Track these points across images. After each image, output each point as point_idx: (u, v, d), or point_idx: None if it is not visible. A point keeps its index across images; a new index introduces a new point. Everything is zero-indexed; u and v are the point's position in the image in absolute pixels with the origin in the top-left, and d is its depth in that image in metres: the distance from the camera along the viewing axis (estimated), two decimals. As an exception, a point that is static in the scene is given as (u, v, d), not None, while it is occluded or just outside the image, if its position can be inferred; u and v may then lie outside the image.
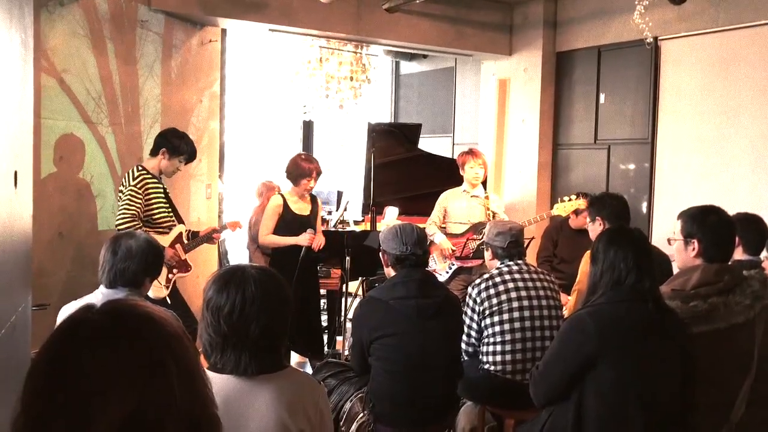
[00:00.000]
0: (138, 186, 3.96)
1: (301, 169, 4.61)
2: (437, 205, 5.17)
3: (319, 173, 4.66)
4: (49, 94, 4.42)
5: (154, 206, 4.05)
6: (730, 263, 2.61)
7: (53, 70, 4.45)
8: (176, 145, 4.12)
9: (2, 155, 1.91)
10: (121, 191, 4.04)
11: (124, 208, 3.91)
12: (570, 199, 4.80)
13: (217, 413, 1.02)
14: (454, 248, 4.97)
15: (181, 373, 0.94)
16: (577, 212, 4.99)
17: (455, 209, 5.08)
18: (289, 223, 4.62)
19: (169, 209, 4.17)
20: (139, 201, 3.95)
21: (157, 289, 3.93)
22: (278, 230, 4.63)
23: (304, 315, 4.62)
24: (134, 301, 1.01)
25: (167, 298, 3.98)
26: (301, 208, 4.70)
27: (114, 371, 0.90)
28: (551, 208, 6.34)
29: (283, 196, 4.71)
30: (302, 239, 4.52)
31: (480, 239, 4.74)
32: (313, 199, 4.81)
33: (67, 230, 4.56)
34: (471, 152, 5.06)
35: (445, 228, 5.10)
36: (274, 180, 6.05)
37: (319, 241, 4.58)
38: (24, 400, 0.90)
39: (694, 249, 2.51)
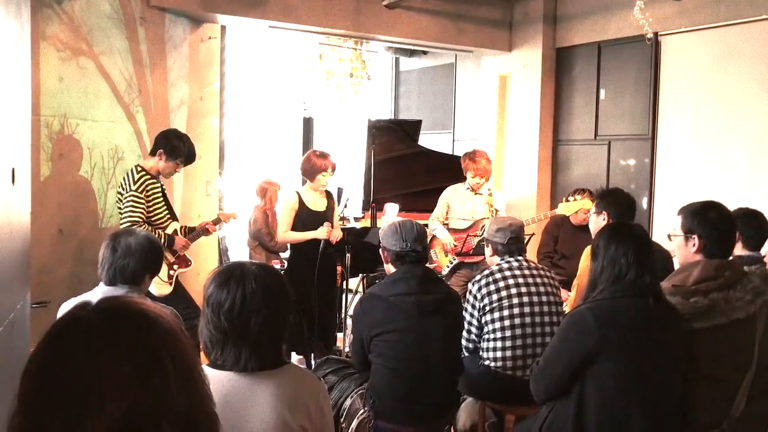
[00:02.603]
0: (139, 190, 3.94)
1: (316, 166, 4.63)
2: (440, 201, 5.17)
3: (333, 168, 4.67)
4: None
5: (153, 206, 4.04)
6: (730, 259, 2.60)
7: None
8: (175, 146, 4.09)
9: None
10: (120, 193, 4.03)
11: (128, 215, 3.90)
12: (575, 199, 4.77)
13: (215, 410, 1.02)
14: (455, 243, 4.97)
15: (177, 370, 0.93)
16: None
17: (458, 206, 5.08)
18: (305, 219, 4.64)
19: (166, 208, 4.17)
20: (142, 205, 3.95)
21: (160, 286, 3.93)
22: (295, 227, 4.66)
23: (321, 312, 4.62)
24: (130, 298, 1.00)
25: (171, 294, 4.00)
26: (317, 204, 4.71)
27: (109, 369, 0.89)
28: (552, 206, 6.35)
29: (298, 193, 4.72)
30: (320, 232, 4.54)
31: (481, 235, 4.73)
32: (329, 195, 4.83)
33: (68, 227, 4.56)
34: (473, 159, 4.99)
35: (447, 224, 5.10)
36: (274, 178, 6.04)
37: (337, 234, 4.59)
38: (20, 398, 0.90)
39: (694, 245, 2.51)
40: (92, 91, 4.64)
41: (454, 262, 4.99)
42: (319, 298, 4.57)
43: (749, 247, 3.07)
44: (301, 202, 4.66)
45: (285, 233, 4.69)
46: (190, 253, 4.28)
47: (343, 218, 5.85)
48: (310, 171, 4.66)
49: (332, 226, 4.62)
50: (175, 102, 5.14)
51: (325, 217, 4.66)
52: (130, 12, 4.79)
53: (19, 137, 2.25)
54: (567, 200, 4.79)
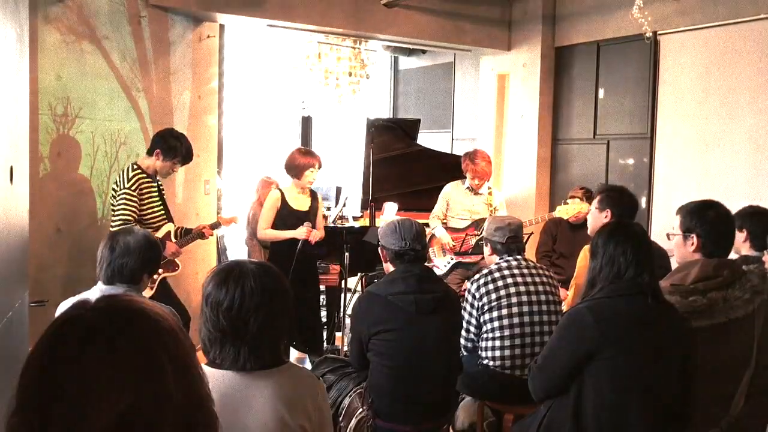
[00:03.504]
0: (132, 188, 3.92)
1: (300, 163, 4.61)
2: (440, 198, 5.18)
3: (319, 166, 4.64)
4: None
5: (147, 206, 4.03)
6: (737, 258, 2.59)
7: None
8: (172, 145, 4.07)
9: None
10: (114, 190, 4.01)
11: (121, 212, 3.88)
12: (573, 201, 4.74)
13: (214, 409, 1.01)
14: (453, 243, 4.97)
15: (176, 369, 0.93)
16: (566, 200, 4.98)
17: (457, 204, 5.09)
18: (285, 217, 4.62)
19: (162, 208, 4.14)
20: (135, 203, 3.92)
21: None
22: (275, 225, 4.64)
23: (300, 311, 4.61)
24: (129, 296, 1.00)
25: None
26: (300, 203, 4.69)
27: (108, 368, 0.89)
28: (551, 205, 6.36)
29: (281, 190, 4.70)
30: (299, 232, 4.52)
31: (479, 234, 4.74)
32: (314, 195, 4.80)
33: (66, 226, 4.55)
34: (473, 161, 4.94)
35: (446, 222, 5.11)
36: (274, 176, 6.04)
37: (316, 235, 4.57)
38: (18, 396, 0.90)
39: (693, 244, 2.51)
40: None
41: (452, 262, 4.99)
42: (299, 299, 4.54)
43: (755, 246, 3.00)
44: (283, 200, 4.65)
45: (264, 230, 4.67)
46: (187, 253, 4.26)
47: (341, 217, 5.85)
48: (296, 169, 4.63)
49: (312, 227, 4.59)
50: (175, 100, 5.15)
51: (307, 217, 4.64)
52: (135, 4, 4.82)
53: (17, 136, 2.25)
54: (565, 203, 4.77)
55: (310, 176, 4.61)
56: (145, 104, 4.94)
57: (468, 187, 5.06)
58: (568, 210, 4.66)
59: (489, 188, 5.09)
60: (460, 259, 5.00)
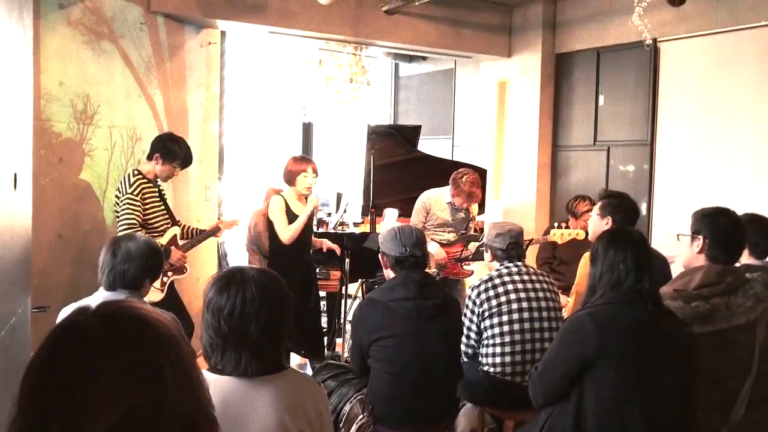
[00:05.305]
0: (135, 193, 3.94)
1: (291, 170, 4.62)
2: (419, 207, 5.13)
3: (314, 171, 4.64)
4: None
5: (150, 210, 4.04)
6: (739, 266, 2.60)
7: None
8: (170, 149, 4.09)
9: (1, 157, 1.91)
10: (117, 197, 4.03)
11: (125, 218, 3.89)
12: (568, 227, 4.71)
13: (214, 414, 1.02)
14: (445, 256, 5.01)
15: (176, 375, 0.94)
16: (575, 215, 4.97)
17: (434, 217, 5.09)
18: (291, 222, 4.64)
19: (165, 212, 4.15)
20: (138, 208, 3.94)
21: (152, 293, 3.90)
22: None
23: (302, 316, 4.62)
24: (129, 302, 1.00)
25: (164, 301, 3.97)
26: (300, 209, 4.70)
27: (108, 375, 0.89)
28: (551, 211, 6.36)
29: (283, 196, 4.71)
30: (308, 208, 4.58)
31: (480, 242, 4.74)
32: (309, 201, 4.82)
33: (67, 232, 4.55)
34: (462, 185, 4.90)
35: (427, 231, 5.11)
36: (278, 185, 6.06)
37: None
38: (20, 402, 0.90)
39: (698, 245, 2.53)
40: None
41: (438, 277, 4.98)
42: (300, 304, 4.55)
43: (756, 254, 2.98)
44: (287, 204, 4.67)
45: (285, 230, 4.65)
46: (189, 258, 4.27)
47: (342, 223, 5.85)
48: (288, 175, 4.65)
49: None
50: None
51: (308, 223, 4.66)
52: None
53: (20, 142, 2.26)
54: (559, 227, 4.72)
55: (304, 182, 4.60)
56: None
57: (450, 202, 5.06)
58: (563, 235, 4.58)
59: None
60: (447, 275, 5.02)
